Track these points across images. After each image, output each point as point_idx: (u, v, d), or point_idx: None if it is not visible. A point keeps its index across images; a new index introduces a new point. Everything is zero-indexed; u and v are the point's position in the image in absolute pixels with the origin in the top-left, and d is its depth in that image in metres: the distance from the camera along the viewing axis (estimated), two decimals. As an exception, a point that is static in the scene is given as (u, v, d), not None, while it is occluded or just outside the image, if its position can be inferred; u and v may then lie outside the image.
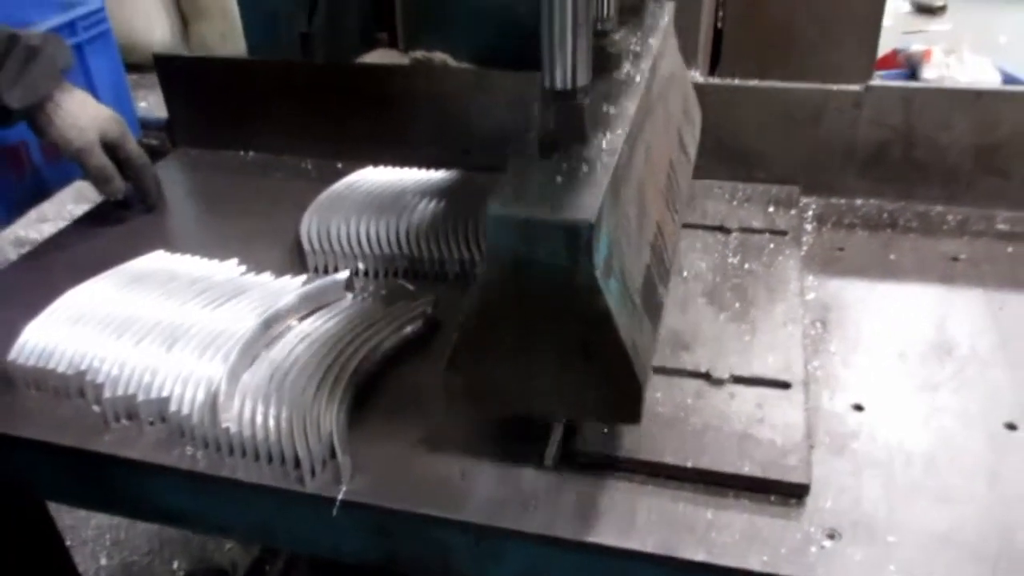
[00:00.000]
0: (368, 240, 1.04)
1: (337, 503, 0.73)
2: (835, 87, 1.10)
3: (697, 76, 1.15)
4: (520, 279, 0.65)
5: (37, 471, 0.86)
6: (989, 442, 0.77)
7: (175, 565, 1.96)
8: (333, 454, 0.76)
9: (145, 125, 1.47)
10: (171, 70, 1.34)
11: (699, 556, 0.67)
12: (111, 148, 1.11)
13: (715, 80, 1.15)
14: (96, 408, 0.83)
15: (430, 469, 0.76)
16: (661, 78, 0.94)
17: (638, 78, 0.84)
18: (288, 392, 0.79)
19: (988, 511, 0.70)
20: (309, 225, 1.07)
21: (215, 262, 1.02)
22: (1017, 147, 1.07)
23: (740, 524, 0.70)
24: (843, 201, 1.15)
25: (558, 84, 0.69)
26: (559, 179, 0.67)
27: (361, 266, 1.02)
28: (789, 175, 1.16)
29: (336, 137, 1.30)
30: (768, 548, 0.67)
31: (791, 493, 0.72)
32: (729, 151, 1.16)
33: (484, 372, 0.71)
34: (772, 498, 0.72)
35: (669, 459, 0.74)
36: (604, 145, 0.71)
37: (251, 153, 1.36)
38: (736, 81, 1.14)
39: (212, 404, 0.78)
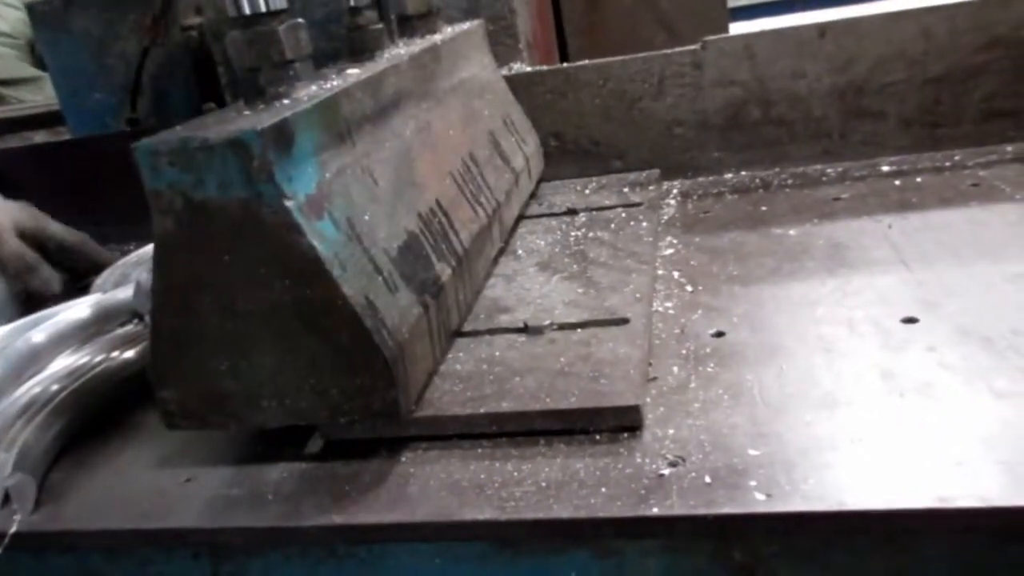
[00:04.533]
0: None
1: (7, 538, 0.53)
2: (670, 51, 1.00)
3: (525, 67, 1.05)
4: (198, 233, 0.50)
5: None
6: (884, 340, 0.59)
7: None
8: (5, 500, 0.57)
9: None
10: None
11: (484, 515, 0.47)
12: (32, 238, 0.97)
13: (544, 67, 1.04)
14: None
15: (149, 485, 0.56)
16: (452, 77, 0.84)
17: (387, 56, 0.73)
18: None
19: (878, 406, 0.51)
20: (102, 280, 0.91)
21: None
22: (882, 82, 0.95)
23: (549, 471, 0.50)
24: (711, 178, 1.01)
25: (246, 7, 0.57)
26: (244, 113, 0.54)
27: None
28: (647, 160, 1.03)
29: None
30: (586, 490, 0.48)
31: (620, 425, 0.52)
32: (578, 147, 1.04)
33: (195, 378, 0.53)
34: (597, 437, 0.52)
35: (457, 411, 0.55)
36: (314, 90, 0.58)
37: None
38: (566, 64, 1.03)
39: None
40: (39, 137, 1.43)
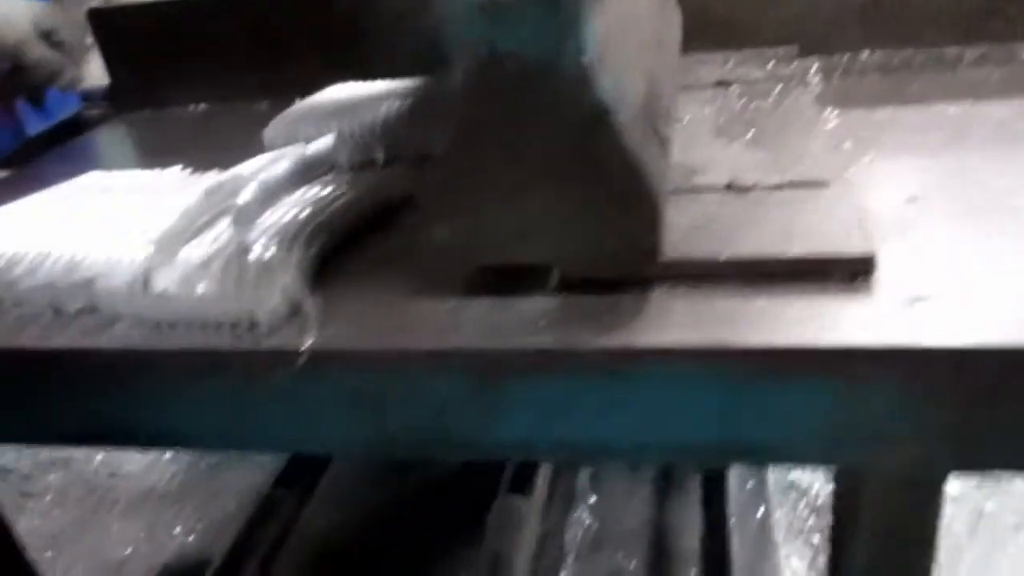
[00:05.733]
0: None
1: (303, 354, 0.59)
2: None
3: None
4: (496, 82, 0.54)
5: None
6: (1075, 206, 0.64)
7: None
8: (295, 313, 0.63)
9: (86, 97, 1.37)
10: (108, 26, 1.24)
11: (755, 339, 0.54)
12: (48, 35, 1.02)
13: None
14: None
15: (414, 312, 0.63)
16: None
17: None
18: (235, 251, 0.66)
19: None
20: (273, 134, 0.96)
21: (157, 170, 0.89)
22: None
23: (799, 308, 0.56)
24: (847, 56, 1.04)
25: None
26: None
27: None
28: (784, 38, 1.05)
29: (287, 71, 1.20)
30: (841, 324, 0.54)
31: (855, 271, 0.58)
32: (714, 22, 1.06)
33: (467, 215, 0.59)
34: (833, 281, 0.59)
35: (698, 255, 0.61)
36: None
37: (201, 105, 1.26)
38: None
39: (143, 277, 0.65)
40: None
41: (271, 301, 0.61)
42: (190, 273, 0.64)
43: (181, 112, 1.25)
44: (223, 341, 0.62)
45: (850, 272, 0.58)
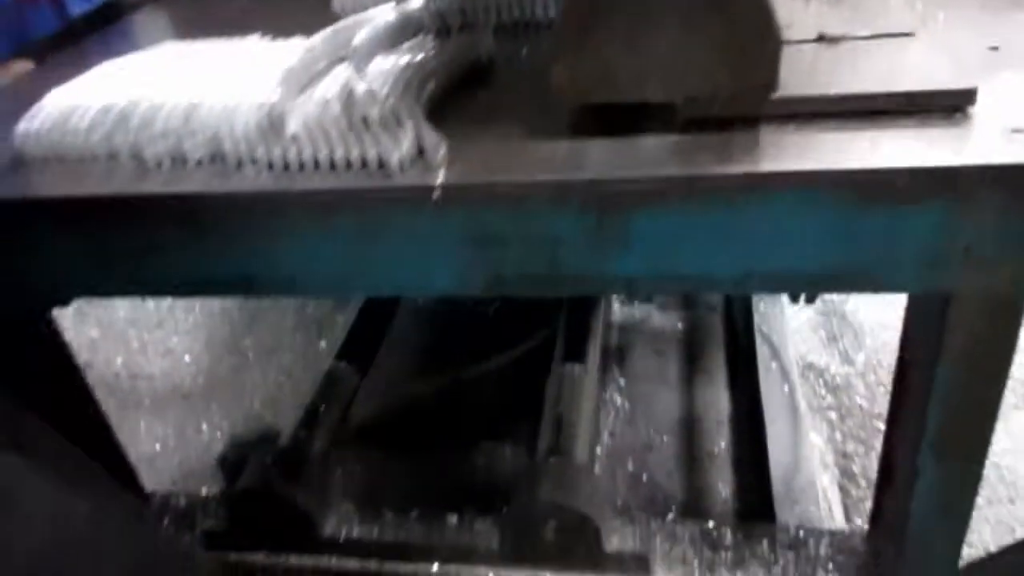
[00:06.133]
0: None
1: (438, 190, 0.63)
2: None
3: None
4: None
5: (67, 248, 0.73)
6: None
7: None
8: (419, 153, 0.66)
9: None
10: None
11: (866, 163, 0.58)
12: None
13: None
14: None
15: (532, 152, 0.66)
16: None
17: None
18: (358, 96, 0.68)
19: None
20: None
21: (235, 39, 0.90)
22: None
23: (909, 137, 0.60)
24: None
25: None
26: None
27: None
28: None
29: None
30: (949, 149, 0.58)
31: (956, 105, 0.62)
32: None
33: (593, 54, 0.62)
34: (935, 115, 0.63)
35: (807, 91, 0.64)
36: None
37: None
38: None
39: (270, 120, 0.67)
40: None
41: (401, 141, 0.64)
42: (319, 115, 0.66)
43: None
44: (355, 181, 0.65)
45: (952, 105, 0.62)
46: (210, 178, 0.68)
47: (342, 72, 0.70)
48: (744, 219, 0.61)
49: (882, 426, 0.93)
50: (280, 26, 0.89)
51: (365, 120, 0.66)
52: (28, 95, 0.79)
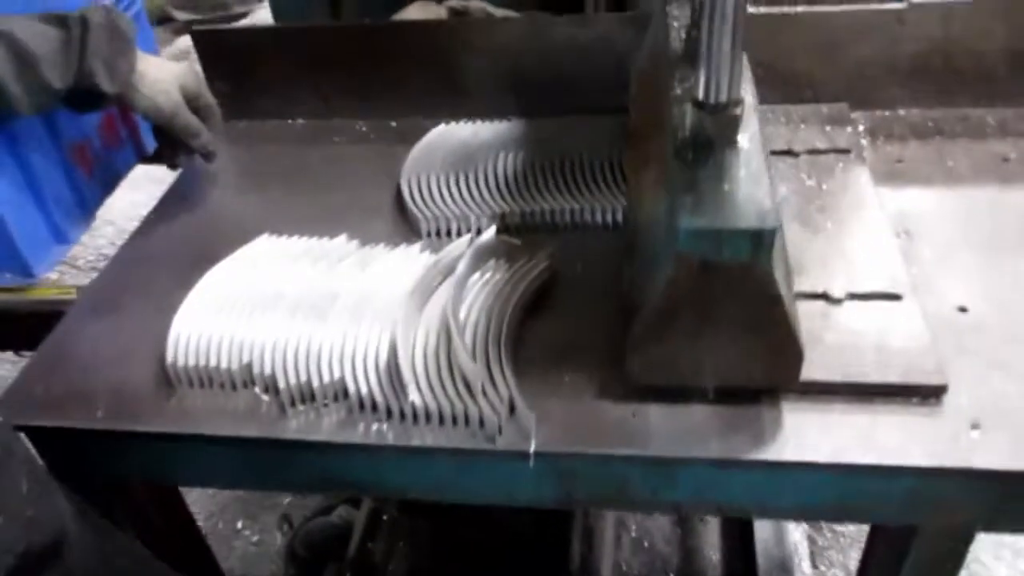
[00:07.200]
0: (475, 199, 1.09)
1: (531, 456, 0.80)
2: (878, 6, 1.16)
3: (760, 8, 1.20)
4: (703, 276, 0.73)
5: (216, 465, 0.91)
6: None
7: (239, 525, 2.03)
8: (511, 410, 0.83)
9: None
10: (210, 45, 1.31)
11: (869, 459, 0.77)
12: (191, 99, 1.11)
13: (763, 9, 1.19)
14: (265, 396, 0.88)
15: (603, 414, 0.84)
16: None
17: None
18: (458, 356, 0.84)
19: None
20: (411, 191, 1.11)
21: (326, 239, 1.05)
22: (1047, 47, 1.15)
23: (894, 427, 0.79)
24: (888, 113, 1.22)
25: (712, 98, 0.75)
26: (727, 187, 0.74)
27: (476, 225, 1.07)
28: (836, 93, 1.22)
29: (385, 96, 1.32)
30: (925, 445, 0.77)
31: (931, 394, 0.81)
32: (779, 75, 1.22)
33: (660, 352, 0.79)
34: (914, 400, 0.81)
35: (819, 376, 0.82)
36: (746, 144, 0.78)
37: (299, 120, 1.36)
38: (784, 9, 1.19)
39: (391, 380, 0.84)
40: None
41: (499, 409, 0.81)
42: (426, 386, 0.83)
43: (280, 126, 1.36)
44: (462, 440, 0.82)
45: (930, 392, 0.81)
46: (339, 427, 0.85)
47: (434, 324, 0.88)
48: (767, 479, 0.80)
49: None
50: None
51: (468, 386, 0.83)
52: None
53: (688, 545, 1.56)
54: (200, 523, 2.03)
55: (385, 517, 1.24)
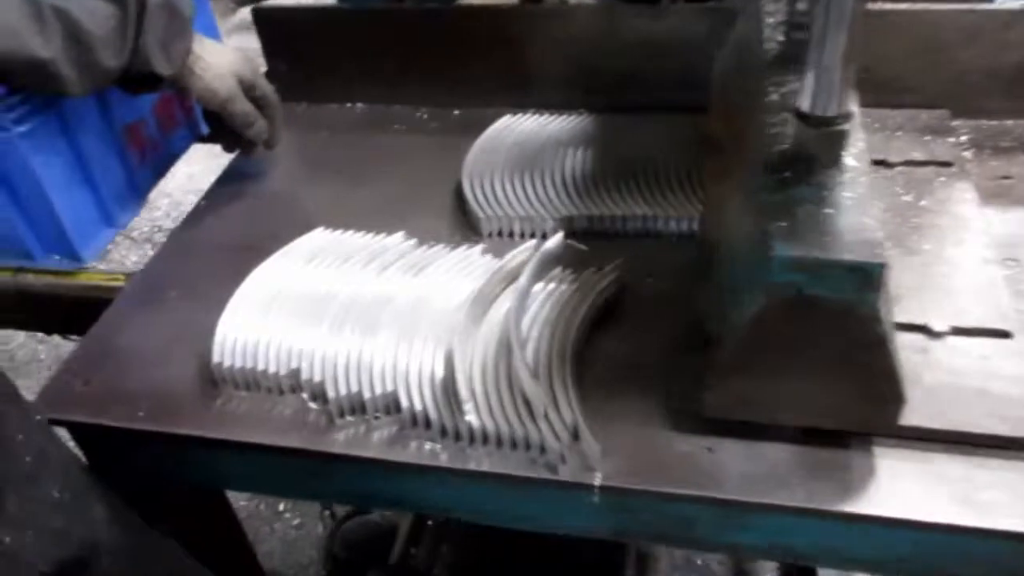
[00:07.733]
0: (541, 200, 1.02)
1: (596, 491, 0.74)
2: (986, 6, 1.06)
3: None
4: (796, 311, 0.66)
5: (259, 473, 0.87)
6: None
7: (280, 507, 2.01)
8: (574, 437, 0.77)
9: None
10: (270, 23, 1.26)
11: (967, 520, 0.69)
12: (246, 89, 1.07)
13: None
14: (313, 404, 0.83)
15: (673, 447, 0.77)
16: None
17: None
18: (519, 376, 0.78)
19: None
20: (473, 189, 1.05)
21: (382, 236, 0.99)
22: None
23: (998, 484, 0.71)
24: (993, 123, 1.12)
25: (819, 110, 0.67)
26: (829, 211, 0.66)
27: (540, 228, 1.01)
28: (936, 100, 1.13)
29: (448, 83, 1.26)
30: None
31: (1038, 449, 0.73)
32: (876, 77, 1.13)
33: (742, 387, 0.73)
34: (1019, 453, 0.73)
35: (916, 422, 0.74)
36: (852, 164, 0.70)
37: (359, 105, 1.31)
38: (887, 6, 1.09)
39: (447, 396, 0.78)
40: None
41: (561, 435, 0.75)
42: (484, 406, 0.77)
43: (340, 110, 1.31)
44: (520, 467, 0.76)
45: (1035, 448, 0.73)
46: (389, 442, 0.79)
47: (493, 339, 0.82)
48: (847, 530, 0.73)
49: None
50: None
51: (529, 407, 0.77)
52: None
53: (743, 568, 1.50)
54: (242, 503, 2.03)
55: (429, 522, 1.19)
